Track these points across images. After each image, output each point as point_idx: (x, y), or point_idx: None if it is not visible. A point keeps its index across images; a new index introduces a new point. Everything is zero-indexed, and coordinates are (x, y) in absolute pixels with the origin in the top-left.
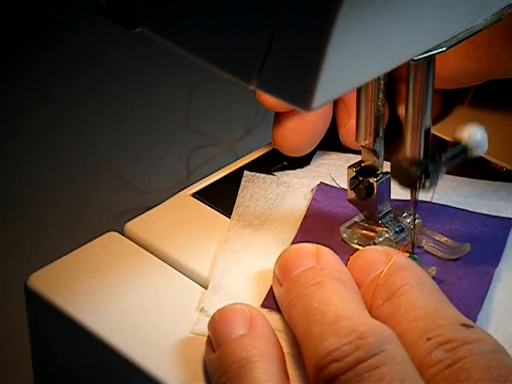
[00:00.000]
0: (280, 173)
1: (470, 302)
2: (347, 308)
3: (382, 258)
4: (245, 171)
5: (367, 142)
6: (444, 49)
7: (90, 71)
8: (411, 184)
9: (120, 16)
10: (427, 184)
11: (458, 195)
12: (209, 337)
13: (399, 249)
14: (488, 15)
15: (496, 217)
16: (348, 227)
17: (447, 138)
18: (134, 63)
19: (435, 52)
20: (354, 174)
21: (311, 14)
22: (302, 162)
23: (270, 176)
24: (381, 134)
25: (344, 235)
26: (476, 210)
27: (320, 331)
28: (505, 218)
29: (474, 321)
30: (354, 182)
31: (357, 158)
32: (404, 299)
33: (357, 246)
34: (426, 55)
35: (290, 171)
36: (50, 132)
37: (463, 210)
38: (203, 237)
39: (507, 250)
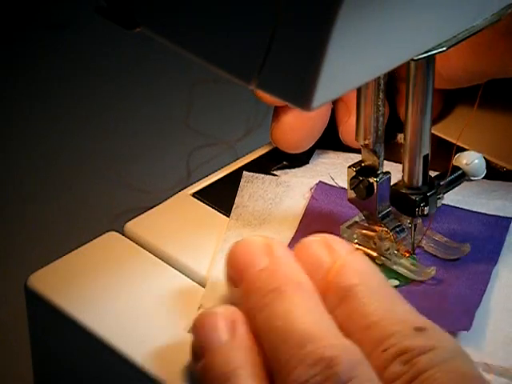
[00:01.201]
0: (279, 172)
1: (468, 300)
2: (311, 324)
3: (324, 251)
4: (244, 172)
5: (367, 141)
6: (444, 48)
7: (90, 71)
8: (410, 211)
9: (120, 16)
10: (426, 211)
11: (457, 194)
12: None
13: (399, 249)
14: (488, 15)
15: (494, 216)
16: (348, 227)
17: (447, 138)
18: (134, 63)
19: (435, 52)
20: (354, 173)
21: (311, 14)
22: (301, 161)
23: (268, 176)
24: (381, 134)
25: (344, 235)
26: (474, 209)
27: (287, 356)
28: (503, 217)
29: (472, 319)
30: (354, 182)
31: (356, 158)
32: (354, 305)
33: (357, 246)
34: (426, 55)
35: (288, 170)
36: (50, 132)
37: (462, 208)
38: (203, 237)
39: (505, 249)
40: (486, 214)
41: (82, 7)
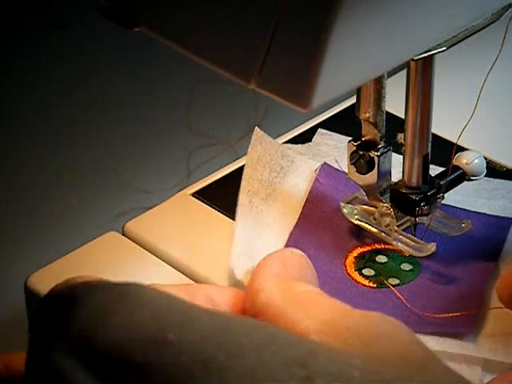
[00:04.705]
0: (283, 145)
1: (469, 302)
2: None
3: None
4: (256, 128)
5: (367, 115)
6: (444, 48)
7: (90, 71)
8: (411, 211)
9: (120, 15)
10: (426, 211)
11: (457, 194)
12: None
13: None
14: (488, 15)
15: (495, 216)
16: (348, 202)
17: (447, 138)
18: (134, 63)
19: (435, 52)
20: (355, 148)
21: (311, 14)
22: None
23: (276, 142)
24: (382, 107)
25: (344, 210)
26: (475, 209)
27: None
28: (504, 217)
29: (473, 323)
30: (354, 157)
31: None
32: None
33: (357, 222)
34: (425, 55)
35: (292, 145)
36: (50, 131)
37: (462, 209)
38: (203, 236)
39: (506, 248)
40: (486, 214)
41: (83, 7)
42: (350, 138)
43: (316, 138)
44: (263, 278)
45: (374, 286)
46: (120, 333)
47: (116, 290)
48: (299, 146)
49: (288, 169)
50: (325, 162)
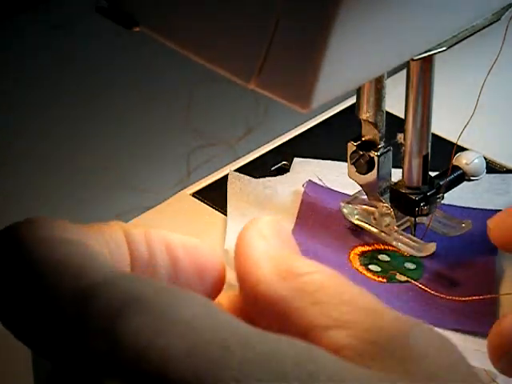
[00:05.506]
0: (262, 179)
1: (483, 288)
2: None
3: None
4: (229, 172)
5: (367, 115)
6: (444, 48)
7: (90, 71)
8: (410, 211)
9: (120, 15)
10: (426, 211)
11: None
12: None
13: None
14: (488, 15)
15: (484, 210)
16: (348, 202)
17: (447, 138)
18: (134, 63)
19: (435, 52)
20: (355, 148)
21: (311, 14)
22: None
23: (254, 179)
24: (382, 107)
25: (344, 210)
26: (462, 205)
27: None
28: (492, 209)
29: (494, 319)
30: (354, 157)
31: (335, 166)
32: None
33: (357, 222)
34: (425, 55)
35: (271, 178)
36: (50, 132)
37: (456, 206)
38: (203, 236)
39: None
40: (475, 209)
41: (83, 7)
42: (328, 161)
43: (294, 166)
44: (256, 259)
45: (384, 280)
46: (157, 367)
47: (153, 311)
48: (278, 177)
49: (272, 196)
50: (309, 180)
